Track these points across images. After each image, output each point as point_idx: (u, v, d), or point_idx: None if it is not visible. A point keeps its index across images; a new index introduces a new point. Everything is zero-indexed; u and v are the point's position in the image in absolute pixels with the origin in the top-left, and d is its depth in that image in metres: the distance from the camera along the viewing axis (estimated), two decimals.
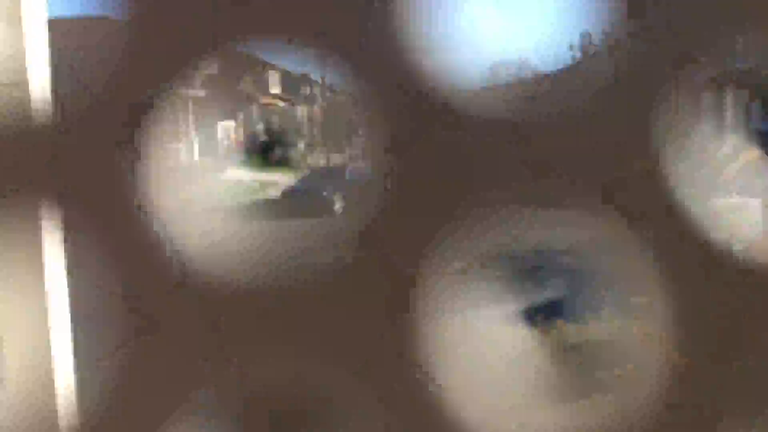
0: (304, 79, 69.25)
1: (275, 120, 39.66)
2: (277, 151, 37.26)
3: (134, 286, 2.06)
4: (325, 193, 18.81)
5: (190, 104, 30.03)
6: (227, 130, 40.55)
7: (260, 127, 40.83)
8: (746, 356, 1.85)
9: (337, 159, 34.27)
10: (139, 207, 1.93)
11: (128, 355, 2.02)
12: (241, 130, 42.13)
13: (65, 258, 2.22)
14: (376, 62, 1.71)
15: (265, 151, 36.95)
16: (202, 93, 32.45)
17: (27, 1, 5.39)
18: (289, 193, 20.05)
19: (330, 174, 21.41)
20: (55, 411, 2.24)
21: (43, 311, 2.05)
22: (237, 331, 2.06)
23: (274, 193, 22.30)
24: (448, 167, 1.67)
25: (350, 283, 1.93)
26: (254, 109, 41.72)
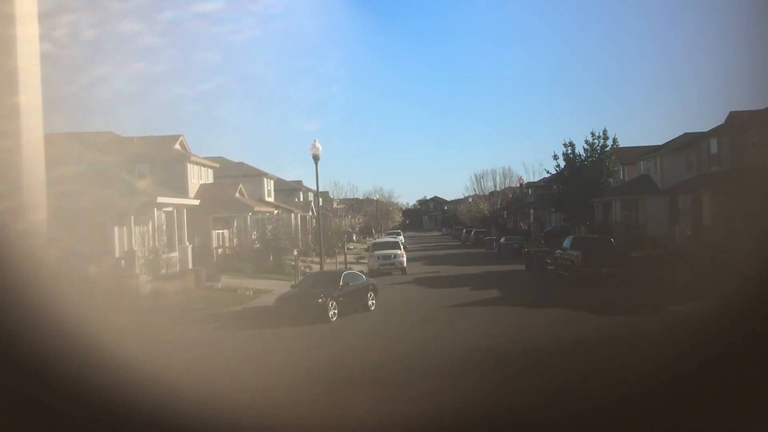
0: (298, 186, 70.26)
1: (269, 228, 40.13)
2: (271, 258, 37.45)
3: None
4: (320, 300, 18.71)
5: (185, 213, 30.38)
6: (222, 237, 40.93)
7: (254, 234, 41.29)
8: None
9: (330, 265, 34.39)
10: None
11: None
12: (235, 238, 42.54)
13: None
14: None
15: (259, 258, 37.16)
16: (197, 202, 32.96)
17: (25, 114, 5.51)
18: (283, 300, 19.89)
19: (324, 280, 21.33)
20: None
21: None
22: None
23: (268, 300, 22.13)
24: None
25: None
26: (248, 217, 42.31)
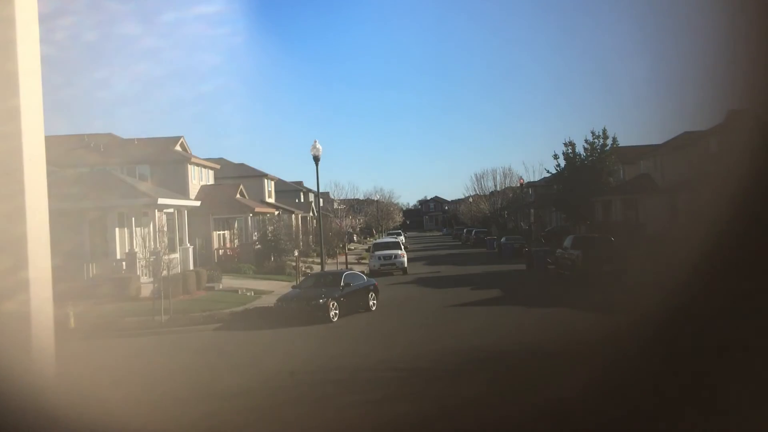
0: (298, 187, 70.13)
1: (270, 228, 40.15)
2: (272, 259, 37.46)
3: None
4: (321, 300, 18.74)
5: (186, 214, 30.40)
6: (223, 238, 40.94)
7: (255, 235, 41.29)
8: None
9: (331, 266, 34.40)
10: None
11: None
12: (236, 239, 42.55)
13: None
14: None
15: (260, 259, 37.18)
16: (197, 203, 32.99)
17: (26, 113, 5.53)
18: (284, 301, 19.92)
19: (325, 280, 21.34)
20: None
21: None
22: None
23: (269, 300, 22.16)
24: None
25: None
26: (249, 218, 42.32)
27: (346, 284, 20.40)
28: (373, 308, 20.78)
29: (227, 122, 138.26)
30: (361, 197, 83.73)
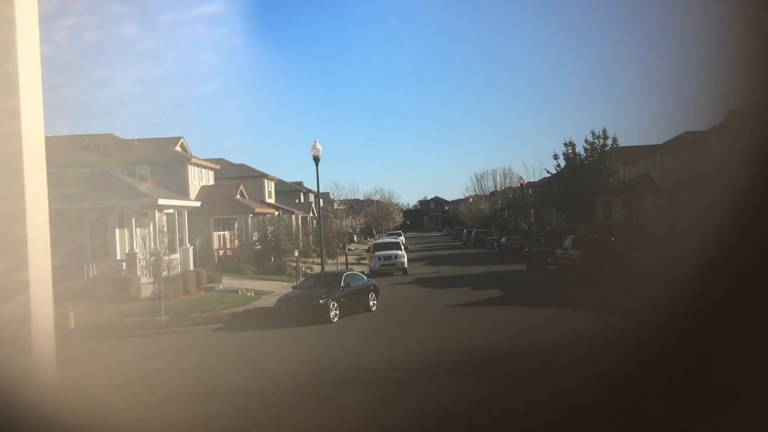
0: (298, 188, 70.13)
1: (270, 229, 40.12)
2: (272, 259, 37.45)
3: None
4: (321, 301, 18.75)
5: (186, 214, 30.39)
6: (223, 239, 40.93)
7: (255, 236, 41.28)
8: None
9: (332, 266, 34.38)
10: None
11: None
12: (236, 240, 42.54)
13: None
14: None
15: (260, 259, 37.16)
16: (198, 203, 32.98)
17: (25, 114, 5.52)
18: (285, 301, 19.92)
19: (325, 281, 21.33)
20: None
21: None
22: None
23: (270, 301, 22.17)
24: None
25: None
26: (249, 219, 42.32)
27: (347, 284, 20.40)
28: (374, 308, 20.78)
29: (227, 122, 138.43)
30: (361, 197, 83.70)
